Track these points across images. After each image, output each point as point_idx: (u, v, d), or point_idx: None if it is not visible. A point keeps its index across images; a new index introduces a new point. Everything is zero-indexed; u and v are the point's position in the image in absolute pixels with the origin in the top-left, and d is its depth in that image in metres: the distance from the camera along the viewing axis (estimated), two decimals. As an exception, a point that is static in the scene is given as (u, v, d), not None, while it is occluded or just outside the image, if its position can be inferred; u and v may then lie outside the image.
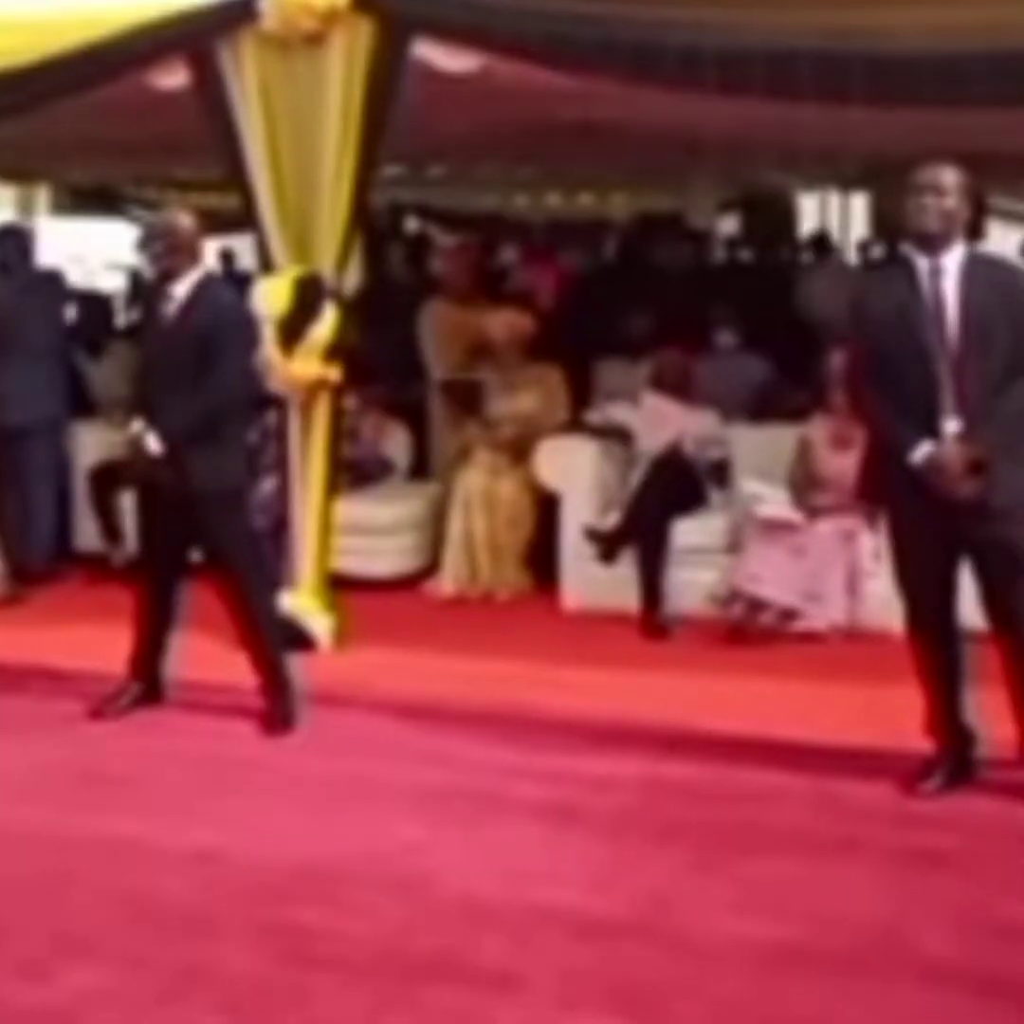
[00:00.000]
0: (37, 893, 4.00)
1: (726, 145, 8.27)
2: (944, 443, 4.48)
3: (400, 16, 5.71)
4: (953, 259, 4.54)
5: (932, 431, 4.50)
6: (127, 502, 7.81)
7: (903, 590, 4.72)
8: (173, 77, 6.07)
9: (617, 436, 7.25)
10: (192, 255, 5.37)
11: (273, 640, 5.50)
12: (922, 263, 4.56)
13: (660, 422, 7.15)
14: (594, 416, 7.41)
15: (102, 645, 6.01)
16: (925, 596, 4.67)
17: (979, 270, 4.55)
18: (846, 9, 5.20)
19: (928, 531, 4.58)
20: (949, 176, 4.54)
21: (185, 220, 5.40)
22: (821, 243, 12.63)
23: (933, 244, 4.54)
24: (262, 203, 6.09)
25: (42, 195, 13.18)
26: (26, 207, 12.80)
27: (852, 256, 14.04)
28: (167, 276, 5.39)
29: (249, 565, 5.44)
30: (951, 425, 4.49)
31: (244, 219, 6.30)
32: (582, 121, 7.19)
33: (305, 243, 6.07)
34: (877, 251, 12.57)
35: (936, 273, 4.53)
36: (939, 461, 4.48)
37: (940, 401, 4.49)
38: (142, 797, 4.72)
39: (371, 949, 3.69)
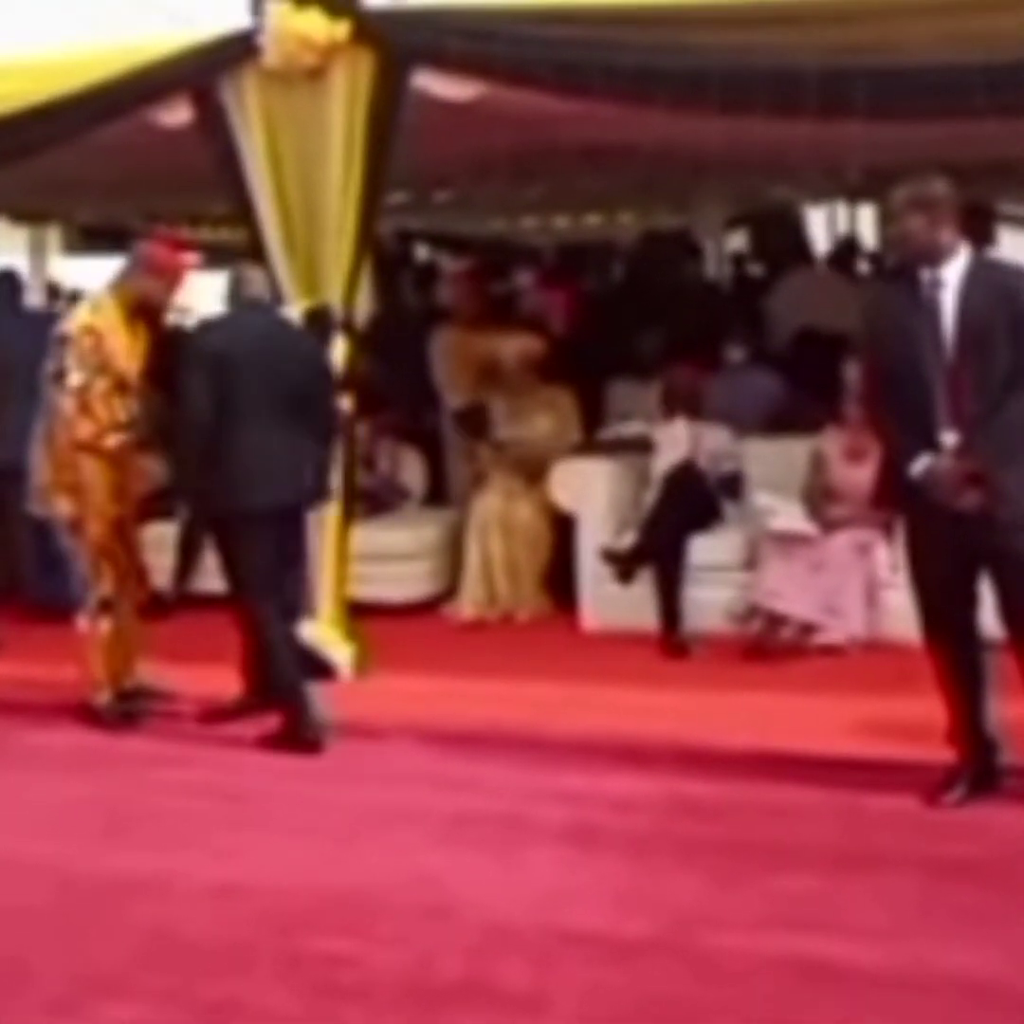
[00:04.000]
0: (65, 930, 4.01)
1: (730, 161, 8.29)
2: (941, 456, 4.49)
3: (400, 48, 5.75)
4: (954, 270, 4.53)
5: (932, 444, 4.51)
6: (146, 538, 7.86)
7: (918, 600, 4.72)
8: (176, 114, 6.13)
9: (629, 448, 7.27)
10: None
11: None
12: (924, 275, 4.56)
13: (672, 444, 7.17)
14: (606, 435, 7.44)
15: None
16: (939, 606, 4.67)
17: (980, 278, 4.53)
18: (847, 27, 5.22)
19: (942, 542, 4.57)
20: (898, 196, 4.56)
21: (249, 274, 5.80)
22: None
23: (928, 259, 4.53)
24: (269, 236, 6.13)
25: (53, 235, 13.25)
26: (38, 248, 12.87)
27: (863, 267, 14.00)
28: None
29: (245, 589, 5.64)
30: (949, 438, 4.49)
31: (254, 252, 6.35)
32: (584, 143, 7.22)
33: (313, 275, 6.11)
34: (889, 261, 12.53)
35: (935, 285, 4.53)
36: (934, 475, 4.49)
37: (937, 414, 4.50)
38: (168, 831, 4.73)
39: (398, 977, 3.69)
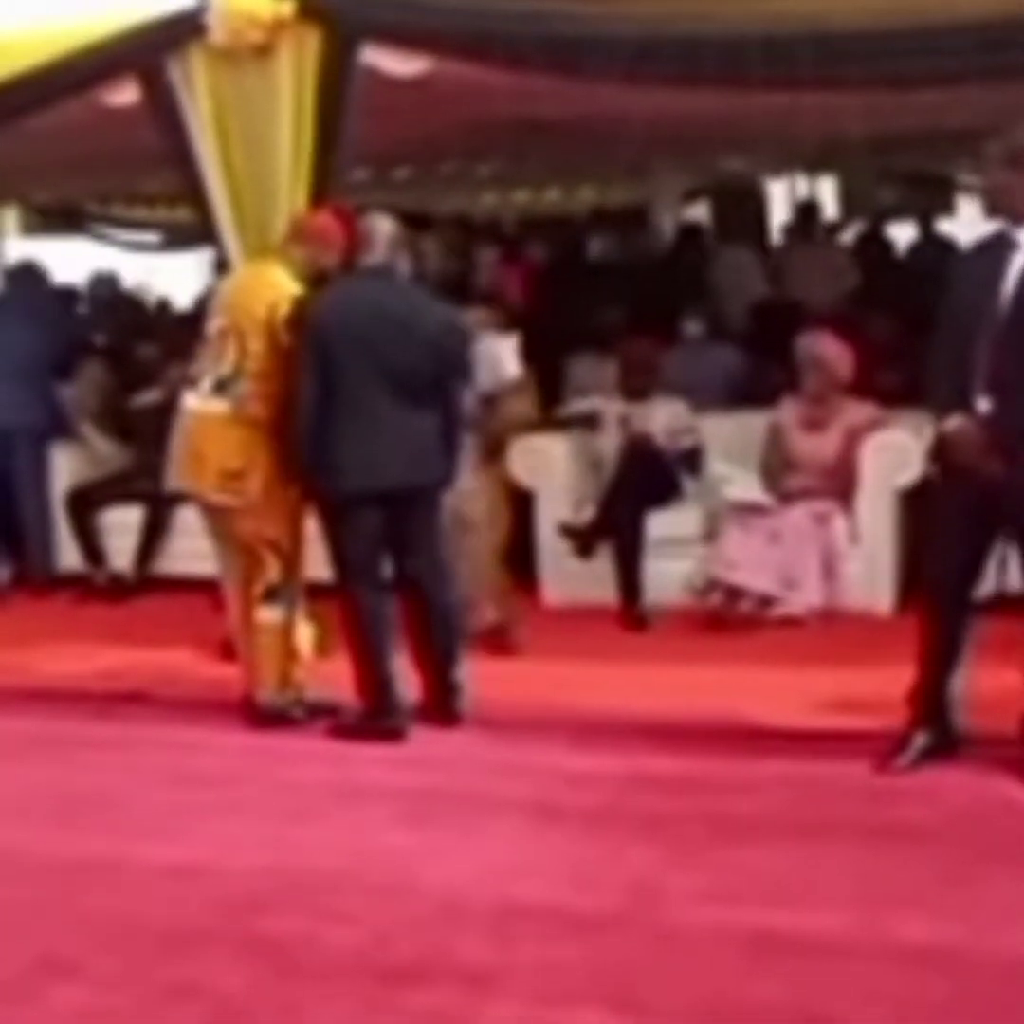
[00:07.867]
0: (19, 914, 4.00)
1: (685, 134, 8.29)
2: (970, 420, 4.43)
3: (346, 24, 5.71)
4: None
5: (968, 407, 4.44)
6: (107, 521, 7.88)
7: (929, 559, 4.71)
8: (124, 94, 6.07)
9: (586, 423, 7.27)
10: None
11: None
12: (1008, 234, 4.47)
13: (614, 421, 7.17)
14: (562, 411, 7.43)
15: (89, 664, 6.05)
16: (946, 572, 4.64)
17: None
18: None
19: (969, 508, 4.51)
20: (990, 149, 4.46)
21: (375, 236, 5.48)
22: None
23: (1012, 216, 4.43)
24: (220, 215, 6.08)
25: (11, 217, 13.18)
26: (-6, 229, 12.82)
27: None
28: None
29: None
30: (983, 404, 4.44)
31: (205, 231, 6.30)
32: (537, 117, 7.20)
33: (264, 253, 6.06)
34: (849, 233, 12.54)
35: (1008, 246, 4.43)
36: (956, 437, 4.46)
37: (976, 379, 4.43)
38: (123, 816, 4.72)
39: (355, 955, 3.69)
